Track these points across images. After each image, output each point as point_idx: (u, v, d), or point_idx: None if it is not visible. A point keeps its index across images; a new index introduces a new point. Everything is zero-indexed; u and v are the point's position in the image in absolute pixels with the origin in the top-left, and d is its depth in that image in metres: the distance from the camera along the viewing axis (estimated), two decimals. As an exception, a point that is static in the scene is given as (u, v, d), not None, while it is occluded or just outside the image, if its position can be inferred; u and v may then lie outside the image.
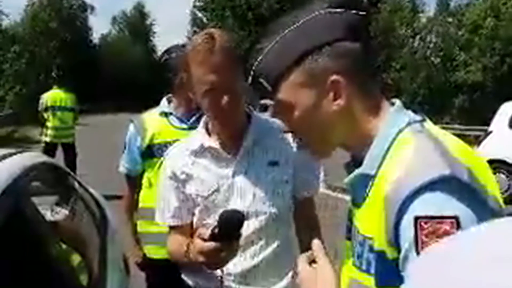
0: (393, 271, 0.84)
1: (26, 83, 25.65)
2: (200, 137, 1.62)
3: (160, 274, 2.39)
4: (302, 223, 1.68)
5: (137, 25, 53.32)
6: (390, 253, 0.86)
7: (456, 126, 18.35)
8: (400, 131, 0.93)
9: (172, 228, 1.67)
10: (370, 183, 0.94)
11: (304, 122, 0.99)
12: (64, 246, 2.18)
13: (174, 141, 2.25)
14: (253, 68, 1.03)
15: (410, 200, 0.81)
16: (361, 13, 0.98)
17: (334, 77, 0.94)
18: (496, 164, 7.91)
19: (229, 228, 1.33)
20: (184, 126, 2.39)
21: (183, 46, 2.42)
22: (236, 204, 1.54)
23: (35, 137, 9.60)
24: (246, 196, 1.55)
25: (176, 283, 2.15)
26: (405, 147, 0.89)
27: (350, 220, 1.05)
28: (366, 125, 0.97)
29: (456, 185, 0.80)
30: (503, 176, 8.00)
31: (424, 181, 0.80)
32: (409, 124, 0.94)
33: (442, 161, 0.82)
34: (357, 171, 0.96)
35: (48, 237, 1.90)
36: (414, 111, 1.00)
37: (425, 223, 0.78)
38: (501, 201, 0.86)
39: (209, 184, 1.57)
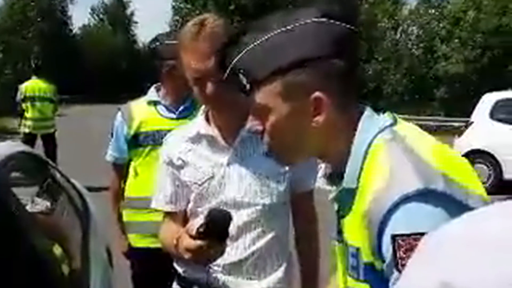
0: (385, 280, 0.85)
1: (2, 72, 25.19)
2: (198, 124, 1.60)
3: (145, 263, 2.40)
4: (299, 216, 1.66)
5: (117, 15, 52.66)
6: (377, 264, 0.86)
7: (438, 117, 18.56)
8: (372, 140, 0.92)
9: (166, 214, 1.65)
10: (353, 195, 0.93)
11: (278, 130, 0.97)
12: (45, 237, 2.13)
13: (161, 130, 2.32)
14: (232, 61, 0.99)
15: (388, 217, 0.82)
16: (351, 27, 0.95)
17: (317, 94, 0.92)
18: (477, 155, 8.04)
19: (216, 227, 1.31)
20: (173, 116, 2.38)
21: (170, 33, 2.40)
22: (230, 193, 1.52)
23: (13, 128, 9.43)
24: (240, 185, 1.52)
25: (160, 272, 2.13)
26: (379, 158, 0.89)
27: (340, 225, 1.05)
28: (342, 138, 0.96)
29: (432, 197, 0.80)
30: (484, 166, 8.11)
31: (400, 196, 0.81)
32: (380, 131, 0.93)
33: (416, 173, 0.82)
34: (340, 187, 0.96)
35: (29, 229, 1.84)
36: (382, 110, 1.00)
37: (402, 240, 0.80)
38: (486, 196, 0.85)
39: (204, 172, 1.55)
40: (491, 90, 9.21)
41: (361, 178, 0.92)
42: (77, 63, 40.16)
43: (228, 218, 1.31)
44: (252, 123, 1.05)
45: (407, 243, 0.79)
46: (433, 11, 25.70)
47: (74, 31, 48.79)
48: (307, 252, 1.68)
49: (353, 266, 0.95)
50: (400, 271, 0.79)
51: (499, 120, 8.20)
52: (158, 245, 2.25)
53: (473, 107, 8.79)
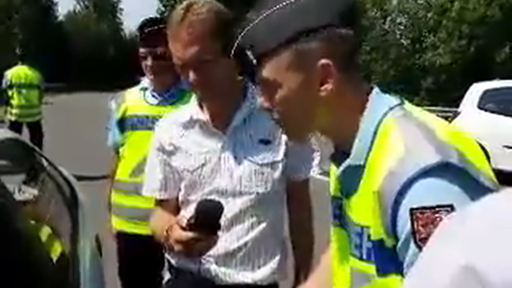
0: (393, 258, 0.84)
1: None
2: (191, 109, 1.56)
3: (129, 247, 2.41)
4: (294, 205, 1.64)
5: (103, 2, 52.05)
6: (389, 241, 0.85)
7: (426, 108, 18.71)
8: (383, 117, 0.92)
9: (158, 201, 1.62)
10: (360, 173, 0.92)
11: (287, 104, 0.96)
12: (33, 225, 2.09)
13: (139, 115, 2.36)
14: (239, 38, 0.97)
15: (405, 191, 0.81)
16: None
17: (324, 61, 0.91)
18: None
19: (207, 219, 1.29)
20: (154, 102, 2.37)
21: (156, 19, 2.37)
22: (222, 181, 1.49)
23: (-1, 116, 9.36)
24: (233, 173, 1.49)
25: (146, 258, 2.11)
26: (391, 134, 0.89)
27: (339, 209, 1.04)
28: (350, 113, 0.95)
29: (449, 170, 0.79)
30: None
31: (417, 170, 0.80)
32: (390, 109, 0.93)
33: (432, 148, 0.82)
34: (346, 163, 0.95)
35: (16, 216, 1.81)
36: (387, 92, 0.99)
37: (421, 213, 0.79)
38: (493, 176, 0.85)
39: (196, 159, 1.52)
40: (477, 80, 9.27)
41: (370, 155, 0.91)
42: (62, 50, 39.70)
43: (219, 209, 1.28)
44: (261, 100, 1.03)
45: (425, 216, 0.78)
46: (421, 1, 25.78)
47: (59, 18, 48.20)
48: (302, 242, 1.67)
49: (356, 245, 0.94)
50: (418, 245, 0.79)
51: (487, 110, 8.27)
52: (139, 231, 2.27)
53: (460, 98, 8.85)
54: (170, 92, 2.34)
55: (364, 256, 0.93)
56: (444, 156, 0.80)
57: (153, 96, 2.39)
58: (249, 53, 0.97)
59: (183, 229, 1.31)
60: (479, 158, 0.85)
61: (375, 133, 0.92)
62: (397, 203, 0.82)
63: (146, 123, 2.35)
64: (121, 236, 2.44)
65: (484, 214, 0.46)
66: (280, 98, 0.96)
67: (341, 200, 1.03)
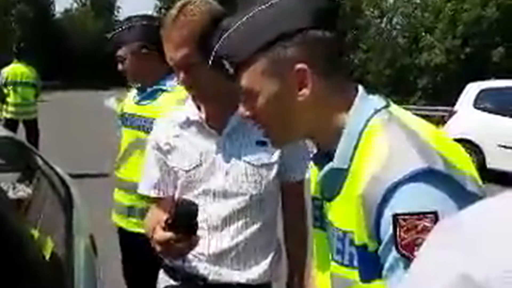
0: (377, 264, 0.83)
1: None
2: (188, 109, 1.56)
3: (130, 247, 2.41)
4: (288, 207, 1.64)
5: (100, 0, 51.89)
6: (372, 246, 0.84)
7: (421, 107, 18.72)
8: (368, 120, 0.91)
9: (154, 200, 1.62)
10: (343, 176, 0.91)
11: (267, 111, 0.95)
12: (26, 223, 2.09)
13: (125, 113, 2.40)
14: (215, 48, 0.97)
15: (389, 196, 0.80)
16: None
17: (299, 65, 0.90)
18: (461, 144, 8.04)
19: (182, 219, 1.28)
20: (136, 100, 2.38)
21: (133, 17, 2.38)
22: (217, 181, 1.50)
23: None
24: (228, 174, 1.50)
25: (146, 258, 2.12)
26: (376, 138, 0.87)
27: (319, 211, 1.04)
28: (333, 116, 0.94)
29: (434, 176, 0.79)
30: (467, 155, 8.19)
31: (402, 176, 0.79)
32: (375, 112, 0.91)
33: (417, 153, 0.81)
34: (329, 166, 0.94)
35: (11, 215, 1.80)
36: (373, 93, 0.98)
37: (404, 220, 0.78)
38: (479, 180, 0.85)
39: (192, 159, 1.52)
40: (472, 79, 9.29)
41: (354, 159, 0.90)
42: (58, 48, 39.56)
43: (193, 210, 1.28)
44: (241, 110, 1.02)
45: (408, 222, 0.78)
46: (418, 0, 25.81)
47: (56, 16, 48.03)
48: (295, 244, 1.67)
49: (338, 250, 0.93)
50: (399, 251, 0.78)
51: (483, 109, 8.29)
52: (133, 229, 2.28)
53: (455, 97, 8.87)
54: (148, 91, 2.33)
55: (346, 262, 0.91)
56: (430, 162, 0.80)
57: (137, 94, 2.40)
58: (225, 62, 0.96)
59: (164, 229, 1.31)
60: (464, 163, 0.84)
61: (359, 136, 0.91)
62: (381, 207, 0.81)
63: (128, 121, 2.38)
64: (121, 232, 2.44)
65: (480, 222, 0.45)
66: (260, 106, 0.96)
67: (321, 202, 1.02)
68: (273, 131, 1.00)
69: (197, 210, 1.29)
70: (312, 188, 1.08)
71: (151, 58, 2.24)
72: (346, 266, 0.92)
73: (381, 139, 0.87)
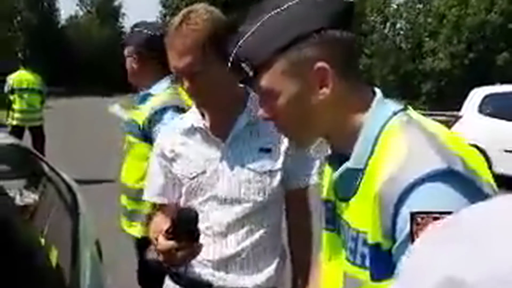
0: (388, 264, 0.83)
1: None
2: (192, 116, 1.57)
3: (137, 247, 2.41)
4: (293, 214, 1.63)
5: (105, 7, 52.18)
6: (386, 244, 0.84)
7: (426, 112, 18.73)
8: (386, 122, 0.91)
9: (158, 206, 1.63)
10: (359, 177, 0.92)
11: (287, 111, 0.96)
12: (33, 230, 2.09)
13: (127, 119, 2.45)
14: (233, 52, 0.98)
15: (407, 194, 0.80)
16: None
17: (319, 64, 0.91)
18: (466, 149, 8.07)
19: (182, 227, 1.28)
20: (134, 105, 2.45)
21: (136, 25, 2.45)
22: (221, 188, 1.50)
23: (1, 120, 9.35)
24: (232, 181, 1.50)
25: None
26: (395, 139, 0.88)
27: (332, 212, 1.04)
28: (351, 116, 0.95)
29: (453, 177, 0.79)
30: (472, 160, 8.18)
31: (420, 175, 0.79)
32: (394, 114, 0.92)
33: (437, 154, 0.81)
34: (345, 166, 0.94)
35: (17, 222, 1.81)
36: (388, 97, 0.98)
37: (421, 218, 0.78)
38: (494, 185, 0.85)
39: (196, 166, 1.52)
40: (477, 85, 9.27)
41: (371, 160, 0.90)
42: (64, 55, 39.75)
43: (193, 217, 1.28)
44: (260, 112, 1.03)
45: (426, 221, 0.77)
46: (421, 5, 25.82)
47: (61, 23, 48.30)
48: (299, 249, 1.66)
49: (351, 250, 0.94)
50: None
51: (488, 115, 8.27)
52: (135, 233, 2.29)
53: (460, 102, 8.85)
54: (140, 96, 2.41)
55: (358, 262, 0.92)
56: (450, 163, 0.80)
57: (136, 99, 2.47)
58: (244, 65, 0.97)
59: (166, 238, 1.31)
60: (480, 166, 0.84)
61: (377, 137, 0.91)
62: (398, 206, 0.81)
63: (126, 126, 2.44)
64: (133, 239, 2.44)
65: (478, 222, 0.45)
66: (280, 107, 0.96)
67: (334, 203, 1.03)
68: (293, 131, 1.01)
69: (197, 216, 1.28)
70: (324, 190, 1.08)
71: (145, 63, 2.34)
72: (358, 266, 0.92)
73: (400, 140, 0.87)
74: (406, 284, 0.46)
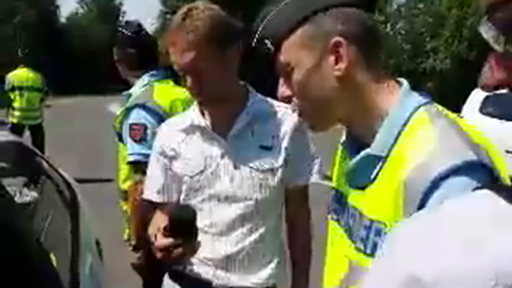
0: None
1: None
2: (192, 114, 1.57)
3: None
4: (292, 211, 1.63)
5: (106, 4, 52.18)
6: None
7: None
8: (413, 112, 0.90)
9: (157, 205, 1.63)
10: (379, 164, 0.90)
11: (304, 86, 0.95)
12: (33, 228, 2.09)
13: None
14: (259, 31, 0.98)
15: (436, 186, 0.79)
16: None
17: (336, 38, 0.90)
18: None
19: (180, 225, 1.28)
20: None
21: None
22: (222, 186, 1.50)
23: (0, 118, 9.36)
24: (232, 179, 1.50)
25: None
26: (424, 129, 0.86)
27: (339, 204, 1.02)
28: (375, 103, 0.93)
29: (482, 170, 0.79)
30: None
31: (450, 166, 0.78)
32: (421, 105, 0.91)
33: (466, 146, 0.81)
34: (366, 152, 0.92)
35: (17, 220, 1.80)
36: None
37: None
38: (509, 181, 0.84)
39: (196, 164, 1.52)
40: (477, 85, 9.26)
41: (394, 147, 0.89)
42: (64, 52, 39.73)
43: (190, 214, 1.28)
44: (280, 90, 1.02)
45: None
46: (422, 5, 25.84)
47: (61, 21, 48.31)
48: (299, 248, 1.66)
49: (362, 238, 0.92)
50: None
51: (489, 115, 8.26)
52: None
53: (461, 102, 8.84)
54: (125, 98, 2.45)
55: (368, 250, 0.91)
56: (478, 156, 0.80)
57: None
58: (268, 43, 0.97)
59: (164, 236, 1.31)
60: (500, 163, 0.85)
61: (404, 125, 0.90)
62: (427, 195, 0.80)
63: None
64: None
65: (438, 220, 0.44)
66: (297, 81, 0.95)
67: (345, 192, 1.01)
68: (310, 111, 0.99)
69: (195, 214, 1.28)
70: (334, 179, 1.07)
71: (128, 62, 2.45)
72: (369, 254, 0.91)
73: (430, 130, 0.86)
74: (374, 286, 0.45)
